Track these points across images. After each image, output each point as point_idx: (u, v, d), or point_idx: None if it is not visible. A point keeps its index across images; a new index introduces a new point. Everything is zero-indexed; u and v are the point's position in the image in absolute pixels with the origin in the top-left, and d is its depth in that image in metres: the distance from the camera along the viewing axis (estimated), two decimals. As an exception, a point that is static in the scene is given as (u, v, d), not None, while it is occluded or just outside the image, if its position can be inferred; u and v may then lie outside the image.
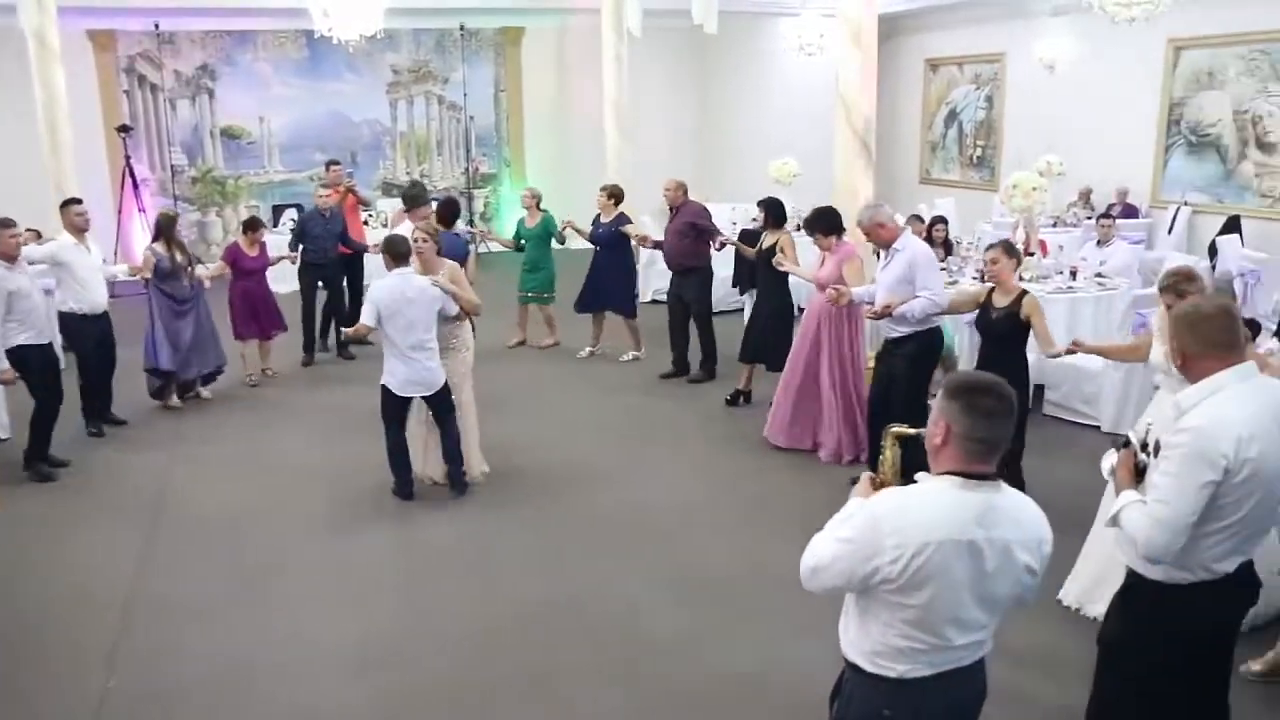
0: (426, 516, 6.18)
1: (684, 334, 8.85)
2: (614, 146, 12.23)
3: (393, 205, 12.65)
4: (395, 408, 6.25)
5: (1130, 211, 12.46)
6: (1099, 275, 8.70)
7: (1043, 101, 13.87)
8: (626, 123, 12.22)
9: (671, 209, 8.81)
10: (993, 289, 5.82)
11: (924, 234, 9.59)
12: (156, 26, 14.17)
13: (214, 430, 7.83)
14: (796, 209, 11.33)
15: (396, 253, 6.21)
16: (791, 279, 7.76)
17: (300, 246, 9.49)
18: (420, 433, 6.54)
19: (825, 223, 6.73)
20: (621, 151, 12.16)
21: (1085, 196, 12.89)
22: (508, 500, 6.39)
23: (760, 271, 8.02)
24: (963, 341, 7.90)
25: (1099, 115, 12.92)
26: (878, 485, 2.75)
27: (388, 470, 6.37)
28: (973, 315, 6.55)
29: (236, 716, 4.23)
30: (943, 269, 9.06)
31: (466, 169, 16.27)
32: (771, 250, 7.62)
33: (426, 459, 6.58)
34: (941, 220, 10.17)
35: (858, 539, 2.42)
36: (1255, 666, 4.29)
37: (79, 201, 7.55)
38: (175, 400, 8.30)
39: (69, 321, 7.38)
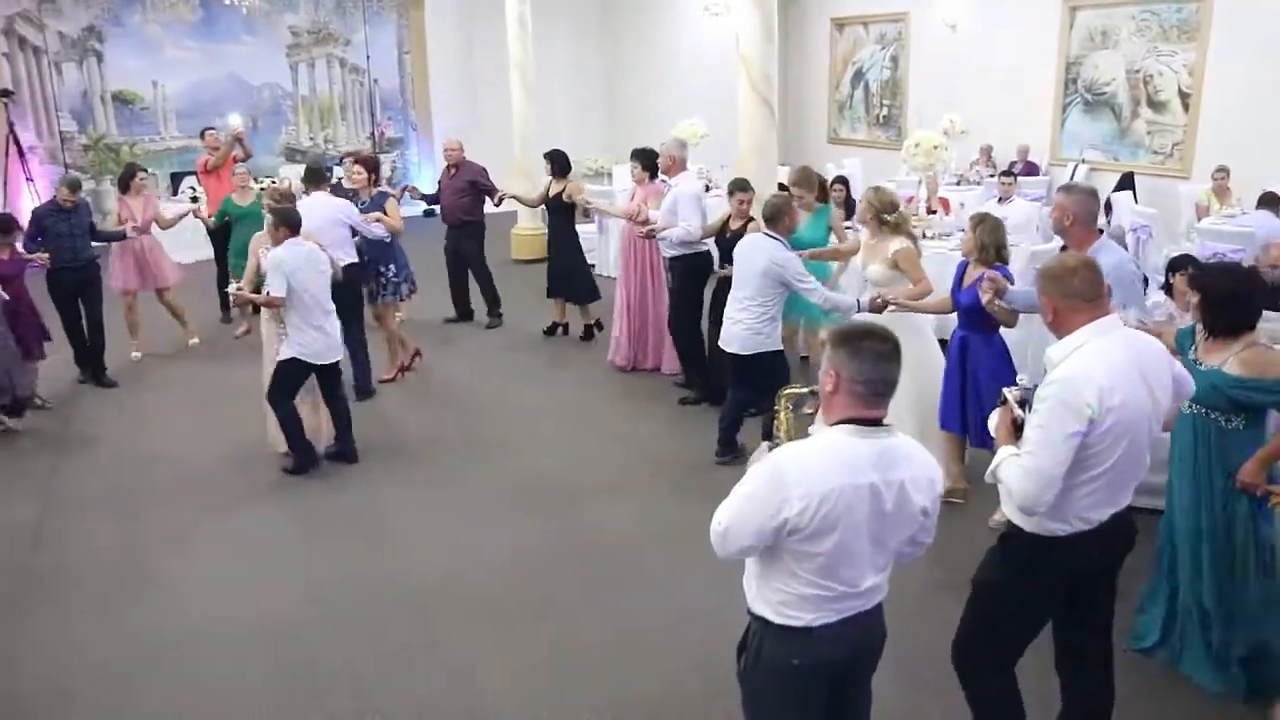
0: (313, 488, 6.12)
1: (463, 284, 9.49)
2: (519, 109, 12.05)
3: (296, 171, 12.34)
4: (300, 379, 6.18)
5: (1031, 169, 12.74)
6: (999, 232, 8.85)
7: (946, 61, 14.06)
8: (532, 85, 12.06)
9: (451, 167, 9.18)
10: (729, 216, 7.01)
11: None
12: (35, -14, 13.50)
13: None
14: (704, 169, 11.35)
15: (292, 223, 6.08)
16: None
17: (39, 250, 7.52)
18: (306, 408, 6.43)
19: (645, 159, 7.86)
20: (527, 114, 12.00)
21: (986, 154, 13.13)
22: (393, 468, 6.38)
23: (551, 218, 8.97)
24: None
25: (1000, 74, 13.15)
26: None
27: (249, 453, 6.33)
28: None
29: (142, 695, 4.15)
30: (848, 228, 9.16)
31: (372, 133, 15.93)
32: (558, 198, 8.65)
33: (320, 431, 6.52)
34: (840, 181, 10.23)
35: (762, 493, 2.48)
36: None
37: None
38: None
39: None
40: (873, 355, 2.49)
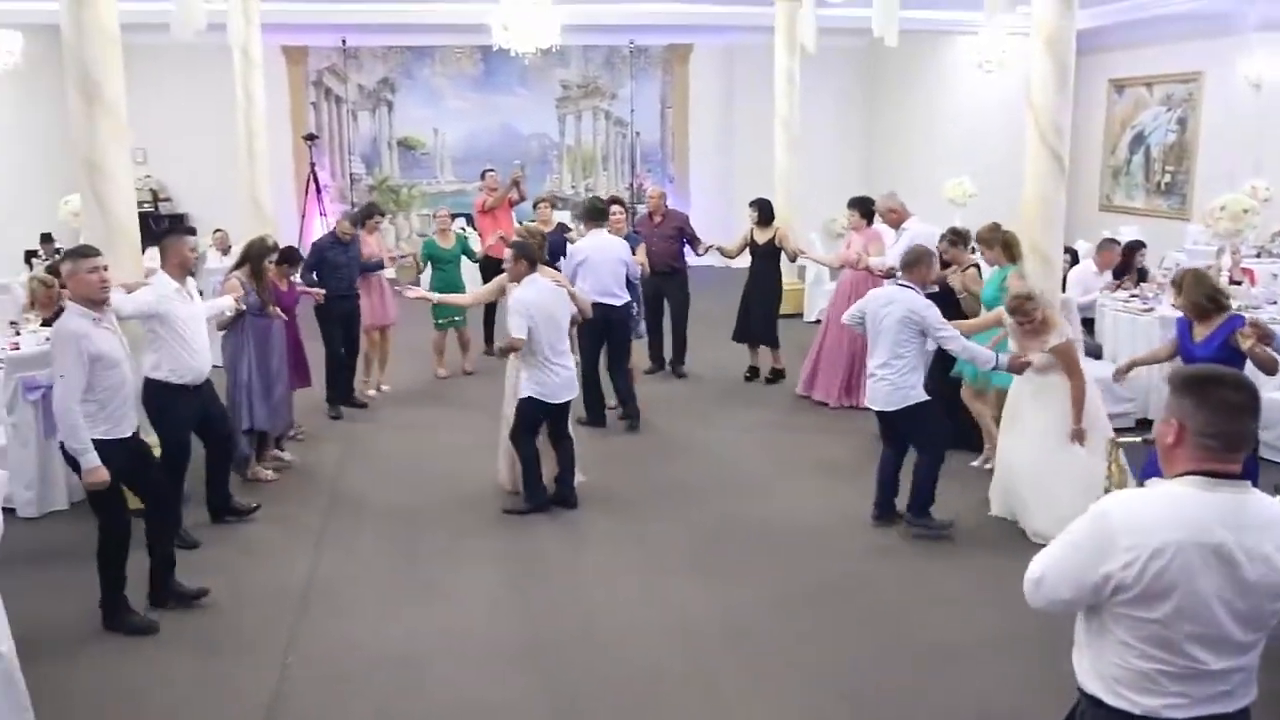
0: (543, 526, 6.10)
1: (660, 332, 9.32)
2: (782, 164, 11.98)
3: (565, 216, 12.77)
4: (540, 419, 6.09)
5: (1344, 243, 11.45)
6: (1314, 307, 7.98)
7: (1246, 122, 12.91)
8: (797, 140, 11.98)
9: (655, 215, 9.27)
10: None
11: (1118, 259, 9.03)
12: (344, 42, 14.82)
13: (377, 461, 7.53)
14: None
15: (528, 256, 6.04)
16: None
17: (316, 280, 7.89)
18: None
19: (863, 206, 8.34)
20: (789, 170, 11.92)
21: (1290, 225, 11.92)
22: (654, 508, 6.35)
23: (754, 264, 9.22)
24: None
25: (1310, 138, 11.95)
26: None
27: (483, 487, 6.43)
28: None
29: (407, 701, 4.26)
30: (1134, 296, 8.50)
31: (631, 184, 16.36)
32: (769, 244, 9.03)
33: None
34: (1140, 245, 9.58)
35: (1086, 540, 2.21)
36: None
37: (192, 232, 5.43)
38: (266, 471, 6.77)
39: (158, 394, 5.38)
40: (1224, 406, 2.18)
